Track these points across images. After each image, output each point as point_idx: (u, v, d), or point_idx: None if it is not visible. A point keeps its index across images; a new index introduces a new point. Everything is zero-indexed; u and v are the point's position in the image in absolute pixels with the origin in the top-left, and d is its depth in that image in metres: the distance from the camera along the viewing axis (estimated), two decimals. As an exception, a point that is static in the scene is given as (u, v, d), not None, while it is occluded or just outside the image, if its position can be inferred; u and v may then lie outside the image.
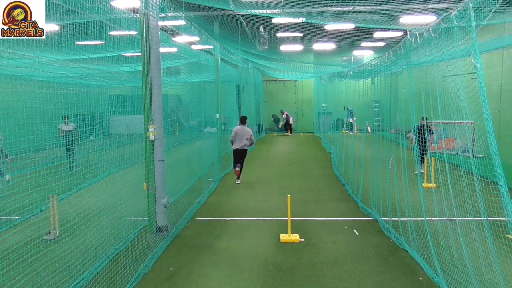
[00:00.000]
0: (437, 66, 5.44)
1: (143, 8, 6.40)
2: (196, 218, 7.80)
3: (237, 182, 11.08)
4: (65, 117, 11.65)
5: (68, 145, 11.43)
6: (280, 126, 27.24)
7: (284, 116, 26.33)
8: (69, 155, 11.54)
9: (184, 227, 7.23)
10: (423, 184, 8.49)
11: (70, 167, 11.50)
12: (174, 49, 10.37)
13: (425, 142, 7.78)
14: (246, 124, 11.42)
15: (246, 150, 11.16)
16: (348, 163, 11.59)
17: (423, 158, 10.08)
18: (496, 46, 10.93)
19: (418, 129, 7.64)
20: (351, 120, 20.98)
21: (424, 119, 9.25)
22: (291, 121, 26.21)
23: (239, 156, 11.06)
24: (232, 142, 11.16)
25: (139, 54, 6.70)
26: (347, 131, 20.65)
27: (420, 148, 8.08)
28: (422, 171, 9.87)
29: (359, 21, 11.12)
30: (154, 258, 5.74)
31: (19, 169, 8.73)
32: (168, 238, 6.51)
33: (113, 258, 5.57)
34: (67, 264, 5.18)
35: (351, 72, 12.08)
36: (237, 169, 11.02)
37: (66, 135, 11.53)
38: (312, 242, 6.40)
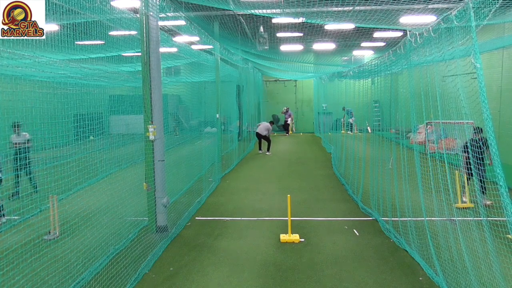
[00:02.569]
0: (437, 66, 5.44)
1: (143, 8, 6.40)
2: (196, 218, 7.80)
3: (267, 153, 16.78)
4: (15, 125, 8.92)
5: (20, 163, 8.53)
6: (284, 123, 26.57)
7: (287, 114, 25.89)
8: (26, 175, 9.01)
9: (184, 227, 7.23)
10: (456, 204, 6.44)
11: (11, 195, 8.75)
12: (174, 49, 10.36)
13: (482, 163, 5.78)
14: (271, 123, 17.82)
15: (261, 134, 16.80)
16: (348, 163, 11.59)
17: (484, 187, 6.76)
18: (496, 46, 10.92)
19: (472, 145, 5.40)
20: (350, 121, 20.99)
21: (478, 132, 7.10)
22: (289, 121, 26.01)
23: (257, 136, 17.09)
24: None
25: (139, 54, 6.70)
26: (347, 132, 20.65)
27: (476, 172, 5.46)
28: (489, 203, 7.30)
29: (359, 21, 11.11)
30: (154, 258, 5.74)
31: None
32: (168, 238, 6.51)
33: (113, 258, 5.57)
34: (67, 264, 5.18)
35: (351, 72, 12.08)
36: (259, 151, 17.19)
37: (17, 150, 8.70)
38: (312, 242, 6.40)
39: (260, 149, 17.40)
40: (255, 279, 5.14)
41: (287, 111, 26.00)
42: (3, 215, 7.40)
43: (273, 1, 9.59)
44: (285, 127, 25.92)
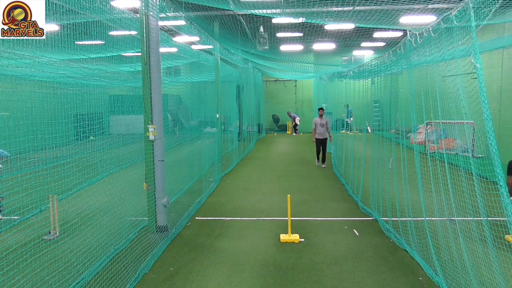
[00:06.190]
0: (437, 66, 5.44)
1: (143, 8, 6.40)
2: (196, 218, 7.80)
3: (323, 166, 13.54)
4: None
5: None
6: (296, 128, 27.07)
7: (292, 116, 26.57)
8: None
9: (184, 227, 7.23)
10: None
11: None
12: (174, 49, 10.36)
13: None
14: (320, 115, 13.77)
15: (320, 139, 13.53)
16: (348, 163, 11.59)
17: None
18: (496, 46, 10.93)
19: None
20: (348, 121, 21.00)
21: None
22: (297, 121, 26.34)
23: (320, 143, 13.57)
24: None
25: (139, 54, 6.70)
26: (346, 131, 20.66)
27: None
28: None
29: (359, 21, 11.12)
30: (154, 258, 5.74)
31: (19, 169, 8.73)
32: (168, 238, 6.51)
33: (113, 258, 5.57)
34: (67, 264, 5.18)
35: (351, 72, 12.07)
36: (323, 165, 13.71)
37: None
38: (312, 242, 6.40)
39: (323, 162, 13.61)
40: (255, 279, 5.14)
41: (289, 114, 26.69)
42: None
43: (273, 1, 9.60)
44: (295, 128, 26.41)
